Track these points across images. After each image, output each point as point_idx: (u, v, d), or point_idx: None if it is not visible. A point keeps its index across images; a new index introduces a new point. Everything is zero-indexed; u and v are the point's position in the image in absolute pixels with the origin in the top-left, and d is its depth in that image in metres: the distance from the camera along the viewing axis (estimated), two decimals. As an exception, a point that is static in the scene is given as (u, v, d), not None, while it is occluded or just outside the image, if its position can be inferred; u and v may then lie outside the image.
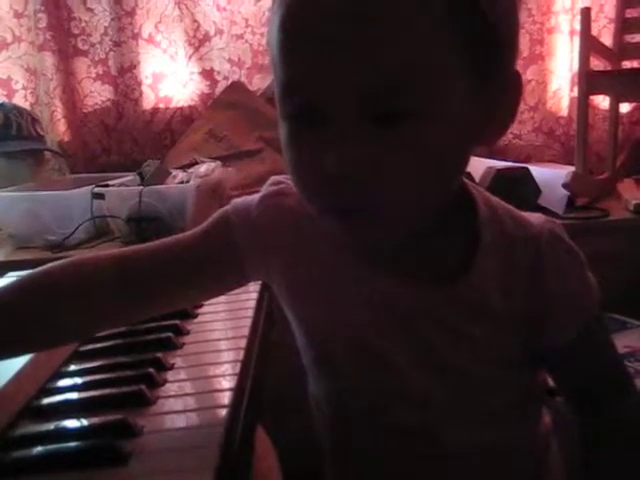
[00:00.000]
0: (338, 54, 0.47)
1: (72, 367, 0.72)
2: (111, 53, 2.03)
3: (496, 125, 0.57)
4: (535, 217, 0.63)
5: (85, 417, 0.59)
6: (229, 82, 2.07)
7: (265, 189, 0.67)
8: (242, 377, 0.67)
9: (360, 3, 0.46)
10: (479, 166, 1.57)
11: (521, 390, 0.65)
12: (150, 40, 2.05)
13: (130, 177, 1.58)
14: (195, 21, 2.04)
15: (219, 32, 2.06)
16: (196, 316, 0.86)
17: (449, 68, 0.49)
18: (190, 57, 2.06)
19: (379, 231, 0.55)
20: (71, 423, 0.59)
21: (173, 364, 0.71)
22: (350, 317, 0.62)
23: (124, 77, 2.04)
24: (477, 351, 0.61)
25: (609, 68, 1.94)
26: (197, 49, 2.06)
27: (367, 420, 0.64)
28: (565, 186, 1.58)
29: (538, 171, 1.59)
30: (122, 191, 1.49)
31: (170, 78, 2.07)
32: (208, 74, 2.08)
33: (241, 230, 0.64)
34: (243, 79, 2.09)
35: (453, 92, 0.50)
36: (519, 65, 1.85)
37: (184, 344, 0.77)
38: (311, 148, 0.51)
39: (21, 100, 1.99)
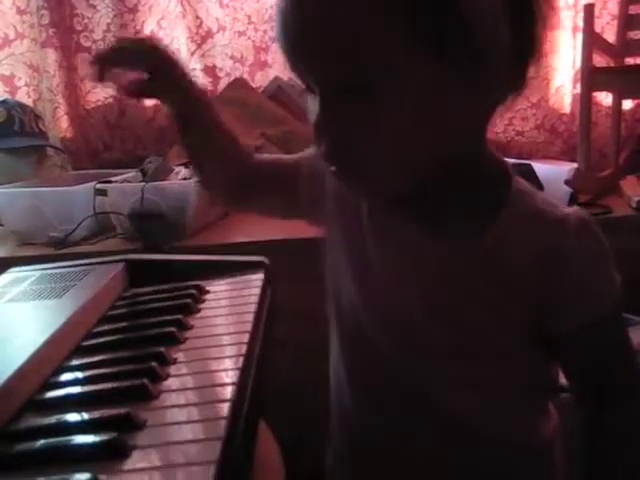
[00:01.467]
0: (312, 51, 0.58)
1: (75, 361, 0.72)
2: (114, 50, 2.03)
3: (489, 103, 0.61)
4: (569, 207, 0.65)
5: (88, 411, 0.59)
6: (231, 79, 2.07)
7: None
8: (244, 372, 0.67)
9: (323, 9, 0.56)
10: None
11: (526, 375, 0.66)
12: (152, 37, 2.04)
13: (132, 173, 1.59)
14: (197, 18, 2.05)
15: (221, 29, 2.06)
16: (199, 311, 0.86)
17: (404, 58, 0.56)
18: (192, 54, 2.06)
19: (368, 187, 0.63)
20: (74, 417, 0.59)
21: (176, 359, 0.71)
22: (373, 268, 0.67)
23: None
24: (488, 314, 0.63)
25: (612, 65, 1.94)
26: (199, 46, 2.06)
27: (382, 377, 0.68)
28: (568, 183, 1.58)
29: (540, 168, 1.58)
30: (124, 187, 1.49)
31: (173, 75, 2.07)
32: (210, 71, 2.08)
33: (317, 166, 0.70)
34: (245, 76, 2.09)
35: (410, 76, 0.56)
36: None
37: (187, 339, 0.77)
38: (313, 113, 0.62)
39: (24, 97, 1.99)
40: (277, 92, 2.03)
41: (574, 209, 0.64)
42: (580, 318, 0.63)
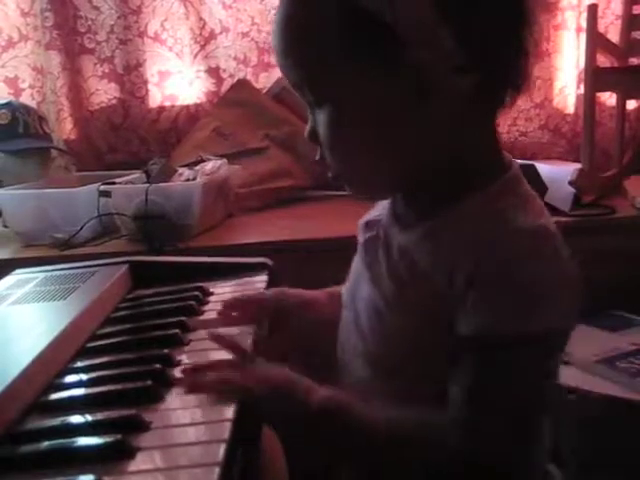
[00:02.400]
0: (281, 62, 0.66)
1: (80, 363, 0.72)
2: (117, 51, 2.03)
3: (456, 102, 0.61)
4: (538, 216, 0.63)
5: (92, 413, 0.59)
6: (235, 80, 2.07)
7: None
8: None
9: (283, 32, 0.64)
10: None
11: (438, 382, 0.62)
12: (156, 38, 2.05)
13: (136, 175, 1.59)
14: (201, 19, 2.05)
15: (225, 30, 2.06)
16: (202, 313, 0.86)
17: (346, 66, 0.61)
18: (196, 55, 2.06)
19: (356, 189, 0.71)
20: (78, 418, 0.59)
21: (180, 360, 0.71)
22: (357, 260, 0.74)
23: (130, 75, 2.05)
24: (408, 307, 0.64)
25: (616, 65, 1.93)
26: (203, 47, 2.06)
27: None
28: (571, 183, 1.58)
29: (544, 168, 1.58)
30: (128, 189, 1.49)
31: (176, 76, 2.08)
32: (214, 72, 2.08)
33: None
34: (249, 77, 2.09)
35: (359, 87, 0.62)
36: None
37: (191, 340, 0.77)
38: None
39: (28, 98, 1.99)
40: (281, 93, 2.03)
41: (531, 221, 0.61)
42: (476, 326, 0.59)
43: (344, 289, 0.77)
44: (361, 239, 0.74)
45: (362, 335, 0.69)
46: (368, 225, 0.74)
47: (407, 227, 0.68)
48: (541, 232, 0.61)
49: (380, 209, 0.74)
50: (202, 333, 0.79)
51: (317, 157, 0.68)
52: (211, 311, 0.87)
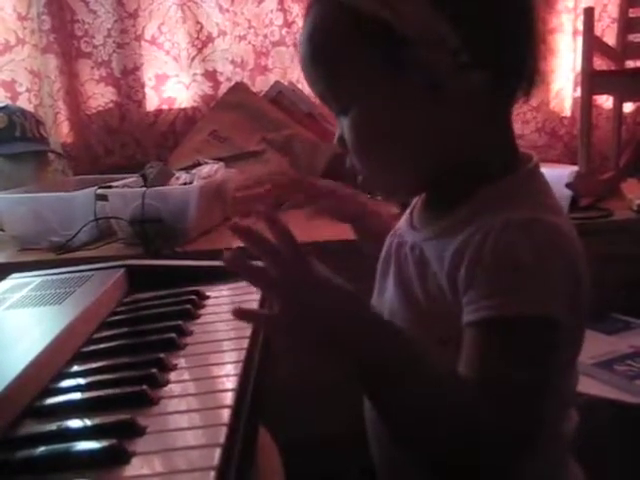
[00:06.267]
0: (306, 75, 0.70)
1: (76, 367, 0.72)
2: (114, 55, 2.03)
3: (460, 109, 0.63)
4: (542, 211, 0.62)
5: (88, 417, 0.59)
6: (232, 83, 2.07)
7: None
8: (244, 378, 0.67)
9: (304, 47, 0.68)
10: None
11: None
12: (153, 42, 2.05)
13: (133, 178, 1.58)
14: (198, 22, 2.05)
15: (222, 33, 2.07)
16: (199, 317, 0.86)
17: (362, 72, 0.64)
18: (193, 58, 2.07)
19: (376, 188, 0.77)
20: (74, 423, 0.59)
21: (176, 365, 0.71)
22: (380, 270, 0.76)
23: (127, 79, 2.05)
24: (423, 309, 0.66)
25: (612, 68, 1.94)
26: (200, 50, 2.07)
27: None
28: (569, 186, 1.58)
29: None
30: (125, 192, 1.49)
31: (173, 80, 2.08)
32: (211, 75, 2.08)
33: None
34: (246, 80, 2.09)
35: (375, 91, 0.64)
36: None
37: (187, 345, 0.77)
38: None
39: (25, 102, 1.99)
40: (278, 96, 2.03)
41: (529, 212, 0.61)
42: (482, 311, 0.59)
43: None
44: (385, 249, 0.76)
45: None
46: (392, 234, 0.76)
47: (421, 228, 0.71)
48: (536, 225, 0.60)
49: (402, 220, 0.76)
50: (199, 337, 0.79)
51: (347, 164, 0.71)
52: (207, 315, 0.87)
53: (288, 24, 2.08)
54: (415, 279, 0.68)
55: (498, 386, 0.57)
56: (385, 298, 0.73)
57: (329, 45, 0.66)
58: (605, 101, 2.04)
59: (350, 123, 0.67)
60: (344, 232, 0.94)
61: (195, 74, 2.07)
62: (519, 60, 0.65)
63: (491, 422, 0.56)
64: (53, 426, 0.59)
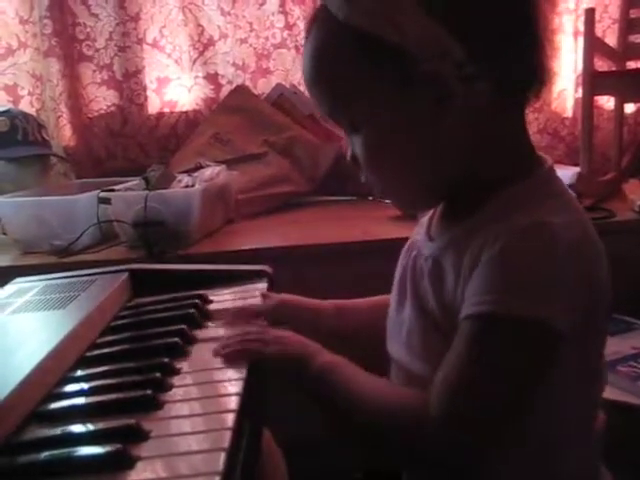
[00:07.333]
0: (312, 94, 0.71)
1: (79, 372, 0.72)
2: (116, 58, 2.03)
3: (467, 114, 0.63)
4: (550, 214, 0.62)
5: (92, 422, 0.59)
6: (233, 86, 2.07)
7: None
8: (248, 381, 0.67)
9: (308, 66, 0.68)
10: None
11: None
12: (155, 45, 2.05)
13: (135, 182, 1.59)
14: (199, 25, 2.05)
15: (223, 36, 2.07)
16: (202, 321, 0.86)
17: (369, 90, 0.65)
18: (194, 61, 2.07)
19: (394, 202, 0.78)
20: (78, 428, 0.59)
21: (180, 369, 0.71)
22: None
23: (129, 82, 2.05)
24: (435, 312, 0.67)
25: (613, 68, 1.94)
26: (201, 53, 2.07)
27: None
28: (570, 187, 1.57)
29: (543, 172, 1.58)
30: (128, 196, 1.49)
31: (175, 83, 2.08)
32: (212, 78, 2.08)
33: None
34: (247, 83, 2.09)
35: (384, 109, 0.65)
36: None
37: (191, 349, 0.77)
38: None
39: (27, 106, 1.99)
40: (279, 99, 2.03)
41: (541, 224, 0.60)
42: (469, 308, 0.60)
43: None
44: (400, 269, 0.77)
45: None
46: (409, 247, 0.77)
47: (437, 238, 0.71)
48: (541, 229, 0.60)
49: (419, 229, 0.77)
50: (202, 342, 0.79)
51: (362, 179, 0.72)
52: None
53: (289, 26, 2.08)
54: (430, 291, 0.68)
55: (463, 399, 0.59)
56: (404, 318, 0.73)
57: (334, 67, 0.66)
58: (606, 102, 2.04)
59: (362, 142, 0.67)
60: (344, 234, 0.94)
61: (197, 77, 2.07)
62: (526, 65, 0.65)
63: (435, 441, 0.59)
64: (57, 431, 0.59)
